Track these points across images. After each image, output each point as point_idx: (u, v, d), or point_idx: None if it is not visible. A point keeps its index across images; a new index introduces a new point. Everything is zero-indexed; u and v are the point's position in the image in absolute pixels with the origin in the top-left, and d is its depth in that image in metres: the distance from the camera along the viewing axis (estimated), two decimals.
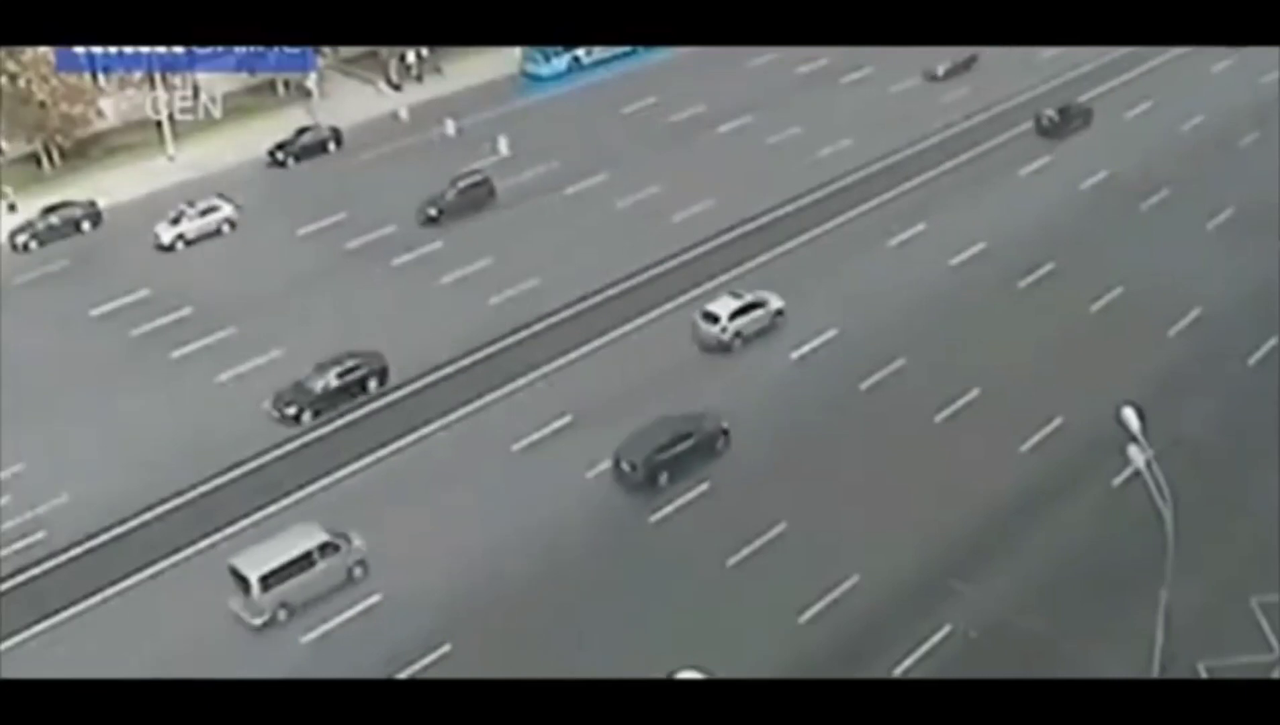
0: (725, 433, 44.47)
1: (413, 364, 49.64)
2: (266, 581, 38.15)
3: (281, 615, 38.56)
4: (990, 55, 73.56)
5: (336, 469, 44.65)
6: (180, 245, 59.99)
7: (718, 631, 36.98)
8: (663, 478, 42.82)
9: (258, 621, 38.35)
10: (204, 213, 61.08)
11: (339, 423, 47.24)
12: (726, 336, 49.88)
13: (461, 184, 62.55)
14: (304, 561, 38.78)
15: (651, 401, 45.67)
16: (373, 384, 48.73)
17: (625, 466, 42.94)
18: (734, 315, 50.10)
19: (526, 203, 62.49)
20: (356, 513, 41.64)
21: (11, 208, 63.23)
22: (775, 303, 51.34)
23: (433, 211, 61.21)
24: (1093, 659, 34.81)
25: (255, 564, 38.44)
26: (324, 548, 39.26)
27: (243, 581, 38.39)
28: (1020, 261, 54.81)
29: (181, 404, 48.36)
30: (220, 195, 62.40)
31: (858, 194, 61.47)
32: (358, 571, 39.84)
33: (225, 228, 61.31)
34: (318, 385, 47.60)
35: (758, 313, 50.70)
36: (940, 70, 74.56)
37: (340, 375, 47.95)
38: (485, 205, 62.45)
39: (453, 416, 47.16)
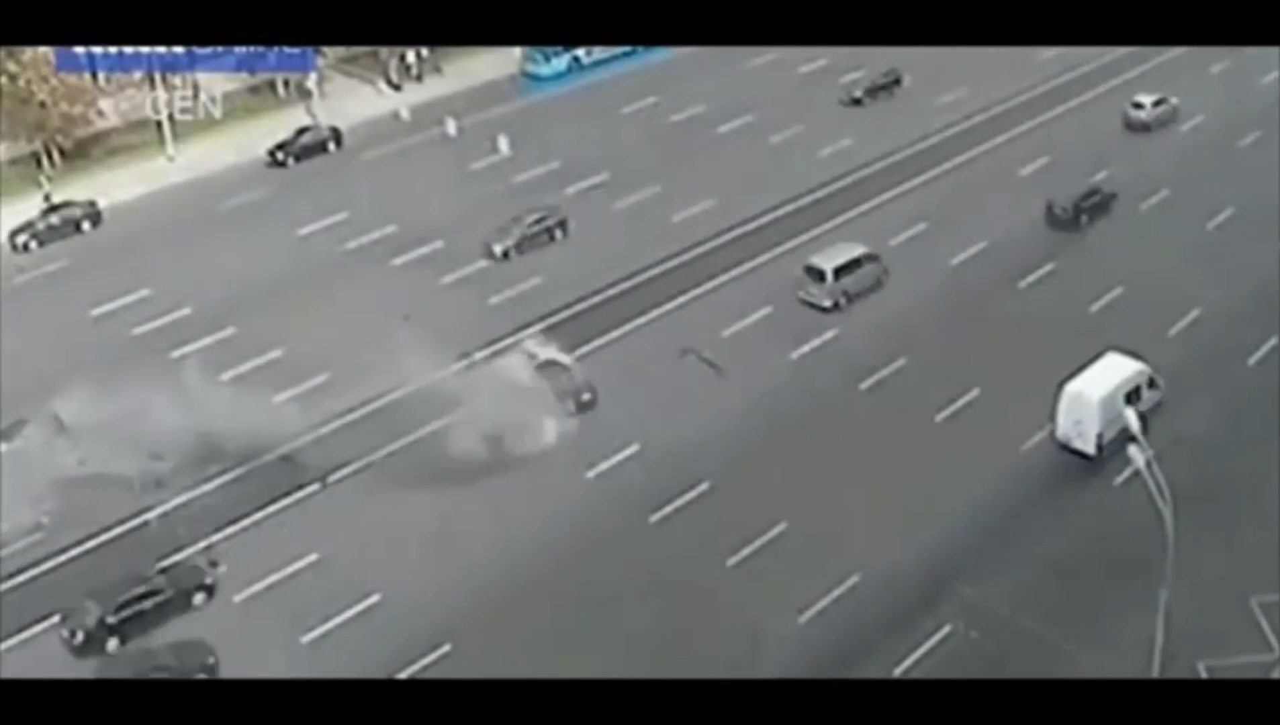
0: (1114, 196, 58.96)
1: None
2: (838, 274, 51.40)
3: (843, 301, 51.28)
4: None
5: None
6: None
7: (718, 631, 37.00)
8: (1083, 219, 57.47)
9: (828, 302, 51.36)
10: None
11: None
12: (1149, 119, 66.87)
13: None
14: (856, 264, 52.10)
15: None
16: None
17: (1058, 210, 57.83)
18: (1154, 105, 67.34)
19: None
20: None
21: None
22: (1174, 100, 67.83)
23: None
24: (1093, 659, 34.82)
25: (828, 260, 51.96)
26: (868, 256, 52.83)
27: (819, 274, 51.62)
28: (1020, 261, 54.82)
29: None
30: None
31: (856, 194, 61.51)
32: (884, 278, 52.77)
33: None
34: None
35: (1165, 106, 67.53)
36: None
37: None
38: None
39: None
